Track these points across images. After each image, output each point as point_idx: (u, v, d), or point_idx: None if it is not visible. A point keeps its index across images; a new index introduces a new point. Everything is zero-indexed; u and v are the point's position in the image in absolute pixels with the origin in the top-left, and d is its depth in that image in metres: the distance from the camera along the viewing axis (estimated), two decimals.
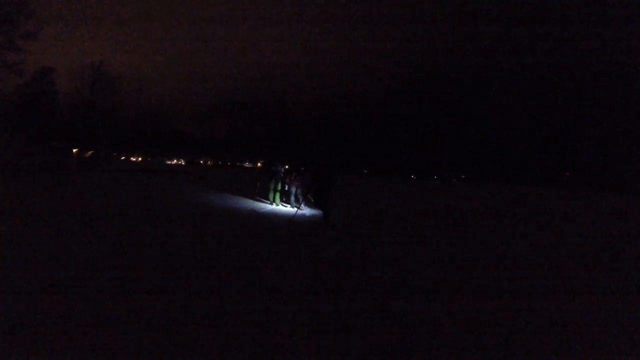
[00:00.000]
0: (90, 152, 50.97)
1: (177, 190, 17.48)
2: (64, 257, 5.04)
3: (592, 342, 3.50)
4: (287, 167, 14.18)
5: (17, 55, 25.21)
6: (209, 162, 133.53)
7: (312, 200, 10.50)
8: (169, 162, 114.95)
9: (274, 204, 13.90)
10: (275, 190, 14.12)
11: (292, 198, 12.99)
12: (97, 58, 62.62)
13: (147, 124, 78.32)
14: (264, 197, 14.95)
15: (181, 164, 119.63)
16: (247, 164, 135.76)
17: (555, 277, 5.82)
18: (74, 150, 46.36)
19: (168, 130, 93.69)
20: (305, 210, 11.75)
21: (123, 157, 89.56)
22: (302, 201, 12.18)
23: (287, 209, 12.73)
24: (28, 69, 28.98)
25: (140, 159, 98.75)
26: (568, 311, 4.31)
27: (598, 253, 8.23)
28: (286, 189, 13.49)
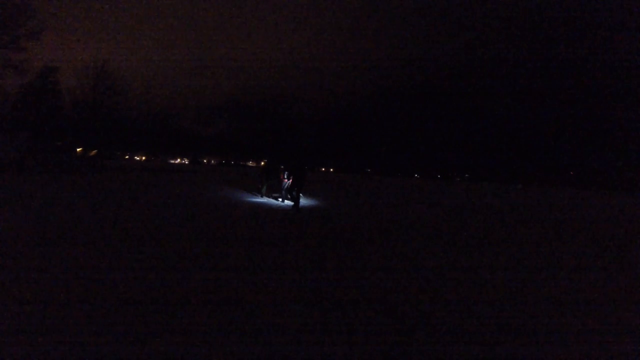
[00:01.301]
0: (94, 151, 51.19)
1: (190, 187, 18.94)
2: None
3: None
4: (282, 166, 15.36)
5: (21, 54, 25.38)
6: (212, 161, 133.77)
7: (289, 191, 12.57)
8: (172, 161, 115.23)
9: (265, 197, 15.28)
10: (268, 186, 15.67)
11: (284, 192, 14.31)
12: (100, 57, 62.78)
13: (151, 123, 78.42)
14: (260, 191, 16.29)
15: (185, 162, 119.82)
16: (250, 163, 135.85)
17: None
18: (78, 149, 46.59)
19: (171, 129, 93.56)
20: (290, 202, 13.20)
21: (127, 156, 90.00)
22: (287, 194, 13.62)
23: (279, 201, 13.91)
24: (32, 68, 29.13)
25: (144, 157, 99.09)
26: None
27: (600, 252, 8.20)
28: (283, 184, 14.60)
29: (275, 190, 16.83)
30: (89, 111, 41.75)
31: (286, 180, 13.89)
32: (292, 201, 12.14)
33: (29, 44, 26.14)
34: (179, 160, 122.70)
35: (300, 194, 12.27)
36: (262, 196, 15.28)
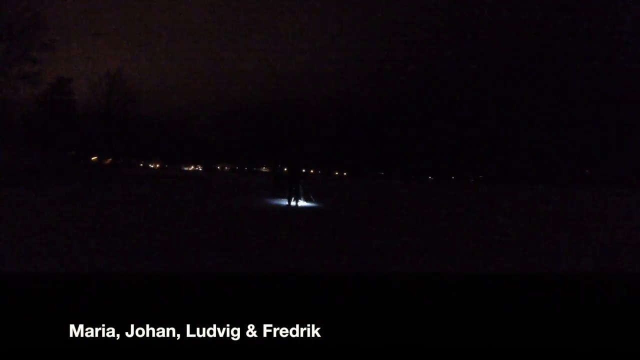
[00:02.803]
0: (109, 160, 51.99)
1: (212, 192, 20.58)
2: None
3: None
4: (285, 169, 16.75)
5: (33, 66, 25.71)
6: (225, 168, 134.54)
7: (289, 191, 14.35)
8: (186, 169, 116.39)
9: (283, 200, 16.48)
10: (281, 189, 17.28)
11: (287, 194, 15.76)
12: (114, 67, 64.01)
13: (164, 131, 79.51)
14: (276, 195, 17.75)
15: (198, 169, 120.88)
16: (263, 169, 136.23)
17: None
18: (93, 158, 47.33)
19: (185, 136, 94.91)
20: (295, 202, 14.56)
21: (141, 164, 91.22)
22: (293, 195, 14.84)
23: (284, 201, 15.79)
24: (46, 78, 29.60)
25: (157, 165, 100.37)
26: None
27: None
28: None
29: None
30: (103, 120, 42.38)
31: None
32: (290, 199, 14.27)
33: (43, 55, 26.55)
34: (192, 167, 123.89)
35: (300, 193, 14.52)
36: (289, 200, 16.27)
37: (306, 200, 15.62)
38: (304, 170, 14.92)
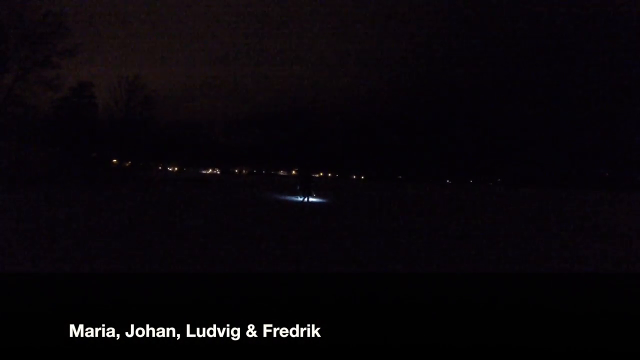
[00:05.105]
0: (129, 163, 53.07)
1: (235, 191, 23.58)
2: None
3: None
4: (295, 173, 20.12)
5: (54, 71, 26.30)
6: (243, 171, 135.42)
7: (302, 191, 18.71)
8: (204, 172, 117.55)
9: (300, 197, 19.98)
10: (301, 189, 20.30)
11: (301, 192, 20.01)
12: (133, 71, 65.61)
13: (182, 135, 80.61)
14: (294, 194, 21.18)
15: (216, 172, 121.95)
16: (281, 172, 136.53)
17: None
18: (114, 161, 48.37)
19: (203, 140, 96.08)
20: (306, 199, 18.40)
21: (160, 167, 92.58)
22: (304, 193, 18.86)
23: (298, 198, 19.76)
24: (66, 83, 30.22)
25: (176, 168, 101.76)
26: None
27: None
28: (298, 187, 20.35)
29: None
30: (123, 123, 43.24)
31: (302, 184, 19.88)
32: (303, 197, 18.51)
33: (63, 61, 27.14)
34: (210, 170, 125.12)
35: (311, 193, 18.67)
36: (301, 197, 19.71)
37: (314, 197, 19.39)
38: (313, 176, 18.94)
